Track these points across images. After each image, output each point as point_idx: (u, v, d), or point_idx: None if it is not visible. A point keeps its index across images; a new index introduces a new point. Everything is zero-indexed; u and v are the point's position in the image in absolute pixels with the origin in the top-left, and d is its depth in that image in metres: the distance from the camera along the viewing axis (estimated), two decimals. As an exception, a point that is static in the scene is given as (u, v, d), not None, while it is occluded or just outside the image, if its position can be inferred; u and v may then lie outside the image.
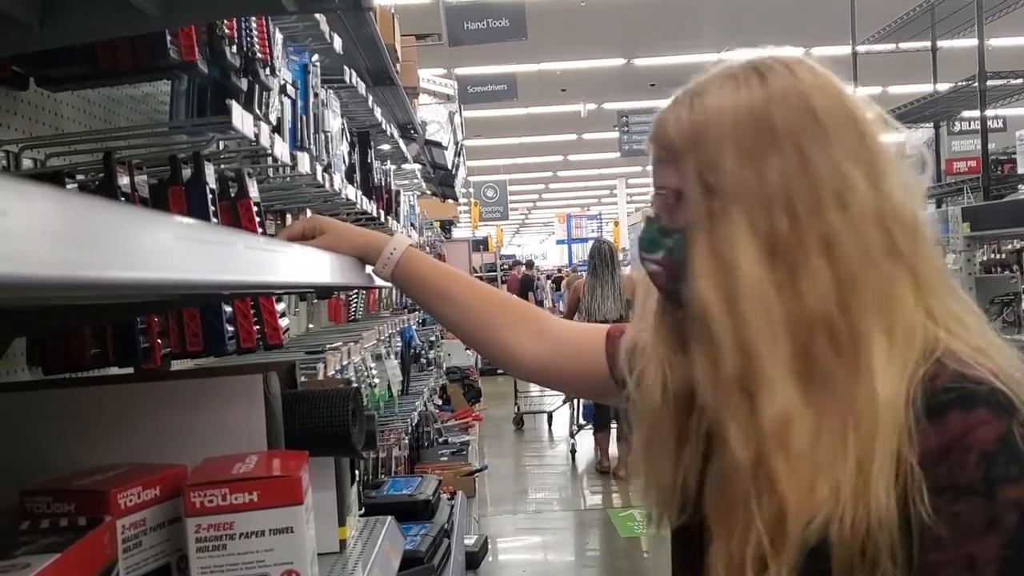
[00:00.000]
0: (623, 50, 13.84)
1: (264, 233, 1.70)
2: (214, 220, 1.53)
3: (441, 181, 8.29)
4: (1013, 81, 5.22)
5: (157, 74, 1.61)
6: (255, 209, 1.69)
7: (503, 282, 18.80)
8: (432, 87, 6.85)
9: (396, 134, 4.27)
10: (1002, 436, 0.88)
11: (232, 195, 1.66)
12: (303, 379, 1.94)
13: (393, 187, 4.54)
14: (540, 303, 16.84)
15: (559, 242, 29.37)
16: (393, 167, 4.81)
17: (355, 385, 2.43)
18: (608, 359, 1.30)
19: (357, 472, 1.49)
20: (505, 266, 20.77)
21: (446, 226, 13.54)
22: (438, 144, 6.37)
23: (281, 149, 1.82)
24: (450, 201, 10.84)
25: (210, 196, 1.53)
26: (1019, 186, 5.54)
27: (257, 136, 1.64)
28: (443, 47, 8.81)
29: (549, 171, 25.64)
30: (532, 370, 1.42)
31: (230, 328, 1.55)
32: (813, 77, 1.01)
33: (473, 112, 14.20)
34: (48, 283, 0.37)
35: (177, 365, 1.76)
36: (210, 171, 1.55)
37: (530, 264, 22.06)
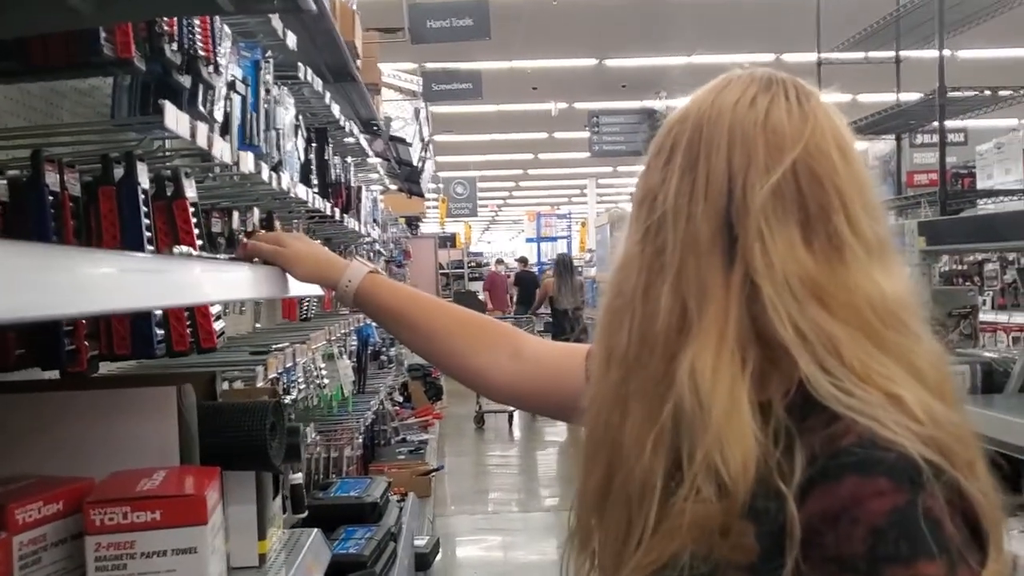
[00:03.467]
0: (595, 51, 13.84)
1: (201, 234, 1.66)
2: (146, 221, 1.49)
3: (407, 177, 8.25)
4: (978, 94, 5.26)
5: (92, 71, 1.58)
6: (191, 210, 1.66)
7: (471, 280, 18.72)
8: (396, 83, 6.80)
9: (357, 130, 4.23)
10: (897, 509, 0.81)
11: (169, 195, 1.64)
12: (241, 385, 1.91)
13: (353, 184, 4.50)
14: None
15: (528, 240, 29.35)
16: (356, 161, 4.77)
17: (283, 394, 2.40)
18: (588, 378, 1.27)
19: (282, 483, 1.46)
20: (473, 263, 20.61)
21: (412, 222, 13.49)
22: (403, 140, 6.33)
23: (221, 148, 1.78)
24: (417, 197, 10.79)
25: (142, 196, 1.50)
26: (977, 201, 5.59)
27: (194, 136, 1.61)
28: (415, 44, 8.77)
29: (520, 169, 25.61)
30: (508, 393, 1.39)
31: (160, 331, 1.51)
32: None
33: (443, 108, 14.14)
34: None
35: (124, 366, 1.73)
36: (143, 170, 1.52)
37: (524, 260, 19.48)
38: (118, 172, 1.50)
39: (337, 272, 1.44)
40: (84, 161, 1.56)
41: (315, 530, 1.50)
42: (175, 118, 1.50)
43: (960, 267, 8.43)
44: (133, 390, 1.11)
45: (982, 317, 5.76)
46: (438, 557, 4.75)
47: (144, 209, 1.50)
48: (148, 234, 1.50)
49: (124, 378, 1.42)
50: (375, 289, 1.43)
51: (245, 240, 1.50)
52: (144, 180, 1.52)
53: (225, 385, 1.73)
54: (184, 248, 1.32)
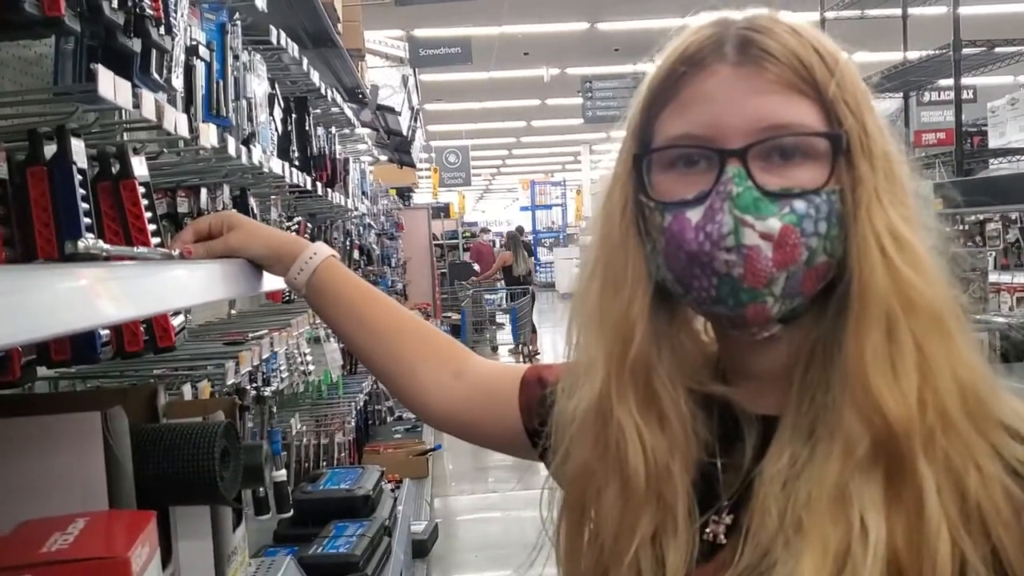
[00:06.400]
0: (587, 14, 13.55)
1: (154, 217, 1.46)
2: (84, 206, 1.29)
3: (397, 147, 8.03)
4: (995, 50, 5.02)
5: (16, 32, 1.37)
6: (141, 191, 1.45)
7: (465, 250, 18.50)
8: (382, 49, 6.54)
9: (341, 99, 4.00)
10: None
11: (115, 174, 1.44)
12: (208, 385, 1.71)
13: (339, 156, 4.28)
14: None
15: (523, 209, 29.09)
16: (342, 132, 4.55)
17: (262, 385, 2.21)
18: (521, 404, 1.10)
19: (245, 512, 1.27)
20: (468, 233, 20.33)
21: (404, 193, 13.22)
22: (391, 109, 6.09)
23: (174, 119, 1.58)
24: (408, 167, 10.55)
25: (78, 178, 1.30)
26: (991, 160, 5.38)
27: (138, 105, 1.40)
28: (400, 7, 8.47)
29: (513, 137, 25.31)
30: (444, 416, 1.20)
31: (104, 332, 1.31)
32: None
33: (434, 76, 13.85)
34: None
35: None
36: (79, 147, 1.31)
37: (520, 230, 19.17)
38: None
39: (298, 247, 1.27)
40: (18, 139, 1.36)
41: (287, 560, 1.30)
42: (112, 85, 1.29)
43: (962, 227, 8.27)
44: (48, 418, 0.91)
45: (985, 278, 5.57)
46: (437, 542, 4.60)
47: (81, 192, 1.30)
48: (87, 220, 1.30)
49: (48, 398, 1.22)
50: (337, 272, 1.25)
51: (187, 248, 1.29)
52: (81, 159, 1.32)
53: (188, 388, 1.53)
54: (92, 242, 1.10)
